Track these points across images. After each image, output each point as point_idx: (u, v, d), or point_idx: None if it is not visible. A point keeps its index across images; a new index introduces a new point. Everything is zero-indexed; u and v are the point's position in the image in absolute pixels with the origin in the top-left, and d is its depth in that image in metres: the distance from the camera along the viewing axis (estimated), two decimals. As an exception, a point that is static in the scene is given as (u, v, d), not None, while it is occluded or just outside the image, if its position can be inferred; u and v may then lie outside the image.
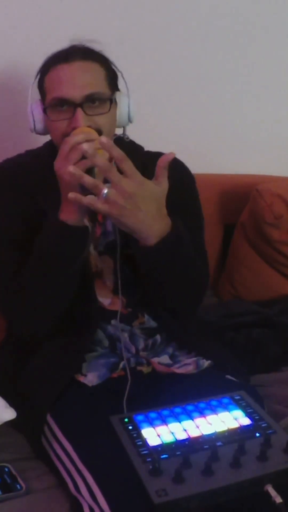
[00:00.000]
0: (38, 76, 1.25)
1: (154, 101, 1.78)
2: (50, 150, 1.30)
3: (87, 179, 1.05)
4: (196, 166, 1.43)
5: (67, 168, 1.06)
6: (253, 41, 2.02)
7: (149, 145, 1.40)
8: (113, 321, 1.27)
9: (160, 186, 1.11)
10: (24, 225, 1.24)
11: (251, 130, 2.06)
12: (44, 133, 1.29)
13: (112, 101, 1.24)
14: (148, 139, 1.38)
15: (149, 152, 1.36)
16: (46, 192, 1.24)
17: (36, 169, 1.29)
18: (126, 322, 1.29)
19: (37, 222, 1.21)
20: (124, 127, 1.32)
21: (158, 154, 1.29)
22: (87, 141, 1.10)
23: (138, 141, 1.37)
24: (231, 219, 1.94)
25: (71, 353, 1.23)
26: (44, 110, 1.22)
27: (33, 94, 1.27)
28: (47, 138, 1.32)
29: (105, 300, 1.29)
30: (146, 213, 1.08)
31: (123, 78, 1.28)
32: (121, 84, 1.29)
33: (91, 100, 1.19)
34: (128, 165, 1.05)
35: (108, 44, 1.24)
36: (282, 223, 1.82)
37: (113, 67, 1.27)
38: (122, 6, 1.75)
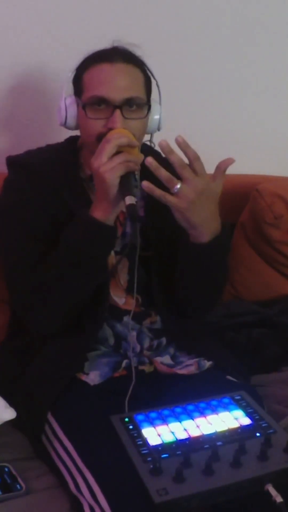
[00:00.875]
0: (75, 71, 1.25)
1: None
2: (72, 147, 1.32)
3: (163, 172, 1.10)
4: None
5: (147, 160, 1.09)
6: (253, 41, 2.02)
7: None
8: (125, 318, 1.28)
9: (218, 187, 1.17)
10: (48, 217, 1.23)
11: (251, 130, 2.06)
12: (73, 128, 1.29)
13: (149, 108, 1.25)
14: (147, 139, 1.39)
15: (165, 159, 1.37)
16: (70, 188, 1.25)
17: (59, 165, 1.29)
18: (137, 320, 1.29)
19: (61, 216, 1.22)
20: (151, 134, 1.33)
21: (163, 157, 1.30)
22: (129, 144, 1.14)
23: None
24: (231, 219, 1.93)
25: (73, 351, 1.23)
26: (83, 107, 1.22)
27: (67, 88, 1.27)
28: (55, 134, 1.31)
29: (120, 299, 1.30)
30: (209, 210, 1.16)
31: (158, 86, 1.29)
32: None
33: (129, 103, 1.20)
34: (200, 165, 1.12)
35: (143, 50, 1.26)
36: (282, 223, 1.82)
37: (149, 74, 1.28)
38: (123, 6, 1.75)
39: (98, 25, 1.69)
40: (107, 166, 1.11)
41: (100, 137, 1.18)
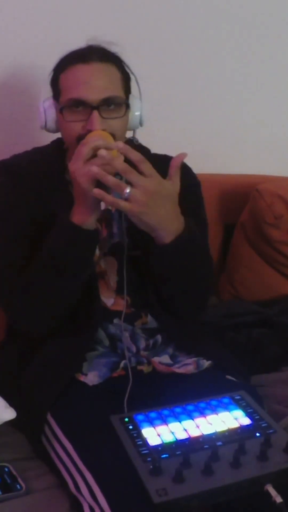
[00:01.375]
0: (52, 74, 1.25)
1: (154, 102, 1.78)
2: (58, 149, 1.31)
3: (111, 179, 1.07)
4: (196, 166, 1.43)
5: (91, 168, 1.07)
6: (253, 41, 2.02)
7: (149, 145, 1.40)
8: (115, 320, 1.28)
9: (174, 186, 1.14)
10: (31, 222, 1.24)
11: (251, 130, 2.06)
12: (55, 131, 1.29)
13: (128, 106, 1.24)
14: (148, 140, 1.39)
15: (156, 155, 1.36)
16: (54, 192, 1.25)
17: (44, 167, 1.29)
18: (128, 321, 1.29)
19: (45, 220, 1.21)
20: (134, 130, 1.33)
21: (165, 157, 1.31)
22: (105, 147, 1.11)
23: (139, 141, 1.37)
24: (231, 219, 1.93)
25: (71, 352, 1.23)
26: (60, 110, 1.21)
27: (44, 91, 1.26)
28: (49, 136, 1.31)
29: (108, 300, 1.29)
30: (165, 211, 1.12)
31: (137, 81, 1.28)
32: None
33: (107, 103, 1.19)
34: (147, 166, 1.09)
35: (119, 46, 1.25)
36: (282, 223, 1.82)
37: (128, 70, 1.27)
38: (123, 7, 1.75)
39: (93, 26, 1.68)
40: (83, 170, 1.10)
41: (80, 139, 1.17)
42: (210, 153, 1.97)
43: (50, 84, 1.26)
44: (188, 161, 1.42)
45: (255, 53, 2.03)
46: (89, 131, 1.17)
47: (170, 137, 1.34)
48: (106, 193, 1.08)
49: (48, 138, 1.36)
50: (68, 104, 1.20)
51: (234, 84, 2.02)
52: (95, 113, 1.17)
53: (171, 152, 1.38)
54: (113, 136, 1.19)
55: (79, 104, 1.19)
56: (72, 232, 1.15)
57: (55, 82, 1.25)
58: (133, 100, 1.28)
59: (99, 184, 1.10)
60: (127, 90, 1.26)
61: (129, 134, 1.33)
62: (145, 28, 1.77)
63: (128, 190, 1.07)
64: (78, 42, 1.24)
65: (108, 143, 1.12)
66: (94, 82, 1.18)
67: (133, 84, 1.29)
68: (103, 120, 1.18)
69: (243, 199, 1.90)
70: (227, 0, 1.94)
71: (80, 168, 1.10)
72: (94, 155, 1.11)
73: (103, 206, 1.08)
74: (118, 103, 1.21)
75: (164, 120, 1.83)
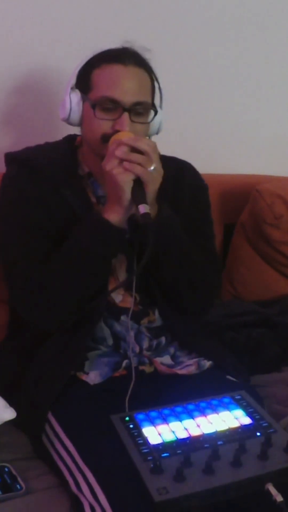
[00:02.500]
0: (83, 68, 1.25)
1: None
2: (70, 145, 1.32)
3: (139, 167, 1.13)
4: (196, 166, 1.43)
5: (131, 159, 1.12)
6: (253, 41, 2.02)
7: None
8: (122, 317, 1.28)
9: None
10: (48, 214, 1.24)
11: (251, 130, 2.07)
12: (77, 124, 1.29)
13: (156, 113, 1.25)
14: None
15: (164, 156, 1.36)
16: (69, 185, 1.26)
17: (58, 161, 1.29)
18: (135, 319, 1.29)
19: (61, 212, 1.22)
20: (149, 136, 1.33)
21: (172, 159, 1.31)
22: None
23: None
24: (231, 219, 1.94)
25: (72, 350, 1.23)
26: (92, 106, 1.21)
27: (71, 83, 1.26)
28: (54, 132, 1.31)
29: (117, 296, 1.29)
30: None
31: (160, 89, 1.29)
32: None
33: (137, 107, 1.21)
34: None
35: (152, 53, 1.26)
36: (282, 223, 1.82)
37: (154, 78, 1.27)
38: (124, 7, 1.76)
39: (99, 25, 1.69)
40: (120, 168, 1.12)
41: (105, 138, 1.19)
42: (211, 153, 1.97)
43: (78, 78, 1.26)
44: (188, 161, 1.43)
45: (255, 53, 2.03)
46: (116, 131, 1.19)
47: (170, 137, 1.34)
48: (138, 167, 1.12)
49: (53, 133, 1.36)
50: (100, 101, 1.21)
51: (234, 84, 2.02)
52: (126, 115, 1.19)
53: (171, 152, 1.39)
54: None
55: (111, 104, 1.20)
56: (108, 229, 1.16)
57: (86, 76, 1.24)
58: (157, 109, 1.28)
59: (135, 185, 1.13)
60: (153, 97, 1.28)
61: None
62: (144, 27, 1.77)
63: (153, 167, 1.14)
64: (100, 43, 1.25)
65: (145, 147, 1.14)
66: (129, 85, 1.20)
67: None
68: (131, 123, 1.20)
69: (243, 199, 1.90)
70: (227, 0, 1.94)
71: (117, 167, 1.12)
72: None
73: (143, 210, 1.10)
74: (146, 109, 1.23)
75: (164, 120, 1.83)
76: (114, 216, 1.16)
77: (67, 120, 1.28)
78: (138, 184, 1.13)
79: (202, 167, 1.45)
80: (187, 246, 1.28)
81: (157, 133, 1.33)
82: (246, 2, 1.98)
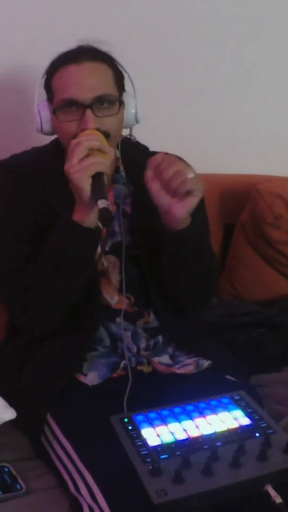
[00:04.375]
0: (45, 76, 1.25)
1: (154, 102, 1.78)
2: (57, 149, 1.31)
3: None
4: (196, 166, 1.42)
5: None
6: (253, 41, 2.02)
7: (149, 145, 1.40)
8: (118, 319, 1.28)
9: None
10: (33, 221, 1.24)
11: (251, 130, 2.06)
12: (51, 133, 1.29)
13: (121, 103, 1.24)
14: (148, 139, 1.39)
15: (154, 153, 1.37)
16: (56, 191, 1.25)
17: (44, 167, 1.29)
18: (130, 321, 1.29)
19: (47, 219, 1.22)
20: (130, 128, 1.33)
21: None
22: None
23: (139, 140, 1.37)
24: (231, 219, 1.93)
25: (71, 352, 1.23)
26: (53, 111, 1.22)
27: (39, 94, 1.26)
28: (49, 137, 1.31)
29: (111, 299, 1.29)
30: None
31: (130, 79, 1.28)
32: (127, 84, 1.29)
33: (100, 101, 1.20)
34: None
35: (110, 45, 1.25)
36: (282, 223, 1.82)
37: (120, 68, 1.27)
38: (124, 6, 1.75)
39: (94, 26, 1.68)
40: (77, 167, 1.11)
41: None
42: (210, 153, 1.97)
43: (44, 87, 1.26)
44: (188, 161, 1.42)
45: (255, 52, 2.03)
46: (84, 130, 1.18)
47: (169, 137, 1.35)
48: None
49: (46, 138, 1.36)
50: (61, 105, 1.21)
51: (234, 83, 2.02)
52: (88, 112, 1.18)
53: (171, 151, 1.38)
54: (108, 134, 1.20)
55: (72, 104, 1.19)
56: (73, 230, 1.15)
57: (48, 84, 1.25)
58: (128, 98, 1.28)
59: (94, 182, 1.11)
60: (120, 88, 1.27)
61: (125, 132, 1.33)
62: (143, 26, 1.77)
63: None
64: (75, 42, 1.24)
65: (103, 146, 1.14)
66: (85, 82, 1.19)
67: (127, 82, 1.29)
68: (97, 119, 1.19)
69: (243, 199, 1.90)
70: (228, 0, 1.94)
71: (75, 166, 1.11)
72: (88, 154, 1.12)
73: (102, 204, 1.08)
74: (111, 101, 1.22)
75: (163, 120, 1.83)
76: (81, 216, 1.15)
77: (42, 131, 1.28)
78: (98, 178, 1.12)
79: (202, 167, 1.44)
80: (210, 259, 1.30)
81: (137, 123, 1.31)
82: (247, 2, 1.97)
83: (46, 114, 1.26)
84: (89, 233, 1.16)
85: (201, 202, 1.40)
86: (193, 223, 1.20)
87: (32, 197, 1.25)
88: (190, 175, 1.13)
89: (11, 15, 1.62)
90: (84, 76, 1.19)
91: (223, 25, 1.95)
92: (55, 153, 1.31)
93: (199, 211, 1.31)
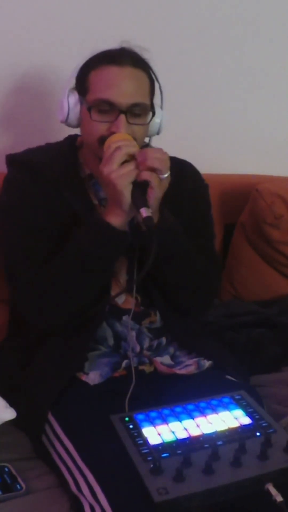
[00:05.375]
0: (81, 69, 1.24)
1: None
2: (71, 145, 1.32)
3: (147, 173, 1.14)
4: (196, 166, 1.43)
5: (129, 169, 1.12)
6: (253, 42, 2.02)
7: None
8: (124, 318, 1.28)
9: None
10: (49, 215, 1.24)
11: (251, 130, 2.07)
12: (75, 126, 1.29)
13: (154, 114, 1.25)
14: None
15: (173, 158, 1.37)
16: (71, 186, 1.26)
17: (59, 162, 1.29)
18: (136, 320, 1.29)
19: (62, 214, 1.22)
20: (150, 138, 1.33)
21: (172, 158, 1.31)
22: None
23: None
24: (231, 219, 1.94)
25: (73, 351, 1.23)
26: (88, 108, 1.21)
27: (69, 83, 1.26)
28: (56, 133, 1.31)
29: (119, 298, 1.30)
30: None
31: (161, 90, 1.28)
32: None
33: (134, 109, 1.20)
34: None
35: (151, 53, 1.25)
36: (282, 223, 1.82)
37: (154, 78, 1.27)
38: (124, 7, 1.76)
39: (99, 26, 1.69)
40: (118, 172, 1.11)
41: (102, 140, 1.19)
42: (211, 153, 1.97)
43: (77, 79, 1.25)
44: (188, 161, 1.42)
45: (255, 54, 2.03)
46: (113, 133, 1.18)
47: (170, 137, 1.34)
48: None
49: (45, 136, 1.36)
50: (96, 104, 1.20)
51: (234, 84, 2.02)
52: (122, 117, 1.18)
53: (171, 152, 1.38)
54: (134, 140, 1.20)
55: (107, 106, 1.19)
56: (105, 230, 1.16)
57: (83, 78, 1.24)
58: (157, 109, 1.28)
59: (135, 189, 1.13)
60: (152, 97, 1.27)
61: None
62: (144, 27, 1.77)
63: (166, 175, 1.16)
64: (99, 43, 1.24)
65: (138, 152, 1.14)
66: (125, 86, 1.19)
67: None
68: (128, 125, 1.19)
69: (243, 199, 1.90)
70: (227, 1, 1.94)
71: (115, 171, 1.12)
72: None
73: (145, 213, 1.10)
74: (144, 110, 1.22)
75: (164, 120, 1.83)
76: (115, 219, 1.15)
77: (66, 122, 1.28)
78: (138, 187, 1.13)
79: (202, 167, 1.45)
80: (189, 251, 1.28)
81: (158, 134, 1.32)
82: (248, 2, 1.98)
83: (75, 107, 1.25)
84: (122, 236, 1.17)
85: (205, 206, 1.41)
86: (162, 218, 1.19)
87: (49, 193, 1.25)
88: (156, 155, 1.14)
89: (37, 12, 1.62)
90: (125, 80, 1.19)
91: (223, 25, 1.95)
92: (69, 150, 1.31)
93: (199, 214, 1.32)
